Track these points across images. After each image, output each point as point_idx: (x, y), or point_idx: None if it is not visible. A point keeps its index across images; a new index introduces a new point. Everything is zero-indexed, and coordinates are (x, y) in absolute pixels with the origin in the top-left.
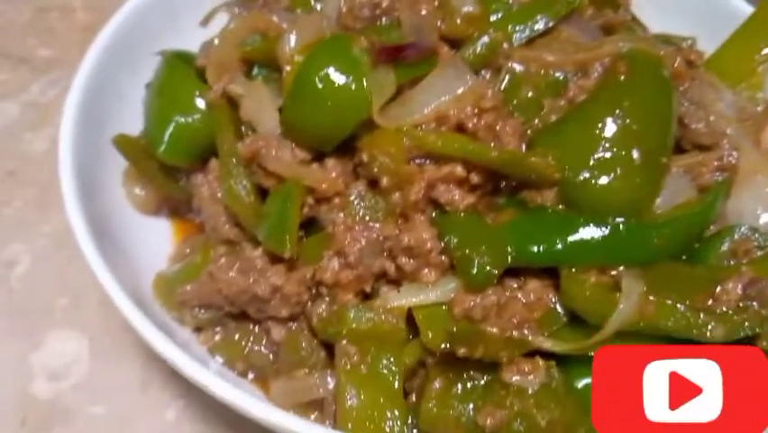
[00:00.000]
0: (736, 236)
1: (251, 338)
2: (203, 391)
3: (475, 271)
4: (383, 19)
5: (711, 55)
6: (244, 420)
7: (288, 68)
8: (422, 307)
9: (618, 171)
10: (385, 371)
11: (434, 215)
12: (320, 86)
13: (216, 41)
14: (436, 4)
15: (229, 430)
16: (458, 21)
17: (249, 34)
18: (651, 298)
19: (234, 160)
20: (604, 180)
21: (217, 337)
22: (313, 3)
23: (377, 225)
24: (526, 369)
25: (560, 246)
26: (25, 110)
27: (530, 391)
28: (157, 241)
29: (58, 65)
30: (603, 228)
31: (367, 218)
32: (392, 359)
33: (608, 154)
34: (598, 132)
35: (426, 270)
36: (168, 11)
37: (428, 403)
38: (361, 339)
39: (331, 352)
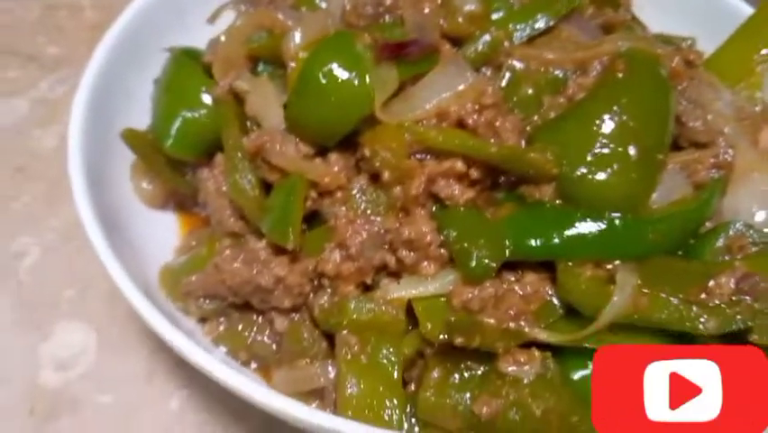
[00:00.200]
0: (731, 233)
1: (255, 329)
2: (206, 381)
3: (474, 263)
4: (386, 17)
5: (711, 55)
6: (246, 410)
7: (292, 64)
8: (421, 298)
9: (615, 167)
10: (384, 361)
11: (434, 209)
12: (324, 82)
13: (223, 38)
14: (439, 2)
15: (231, 419)
16: (460, 19)
17: (255, 31)
18: (645, 291)
19: (240, 154)
20: (601, 176)
21: (221, 328)
22: (317, 1)
23: (378, 218)
24: (522, 359)
25: (557, 240)
26: (34, 107)
27: (525, 382)
28: (163, 234)
29: (66, 62)
30: (599, 223)
31: (368, 212)
32: (392, 349)
33: (605, 150)
34: (596, 128)
35: (426, 262)
36: (175, 8)
37: (426, 392)
38: (361, 330)
39: (332, 342)
